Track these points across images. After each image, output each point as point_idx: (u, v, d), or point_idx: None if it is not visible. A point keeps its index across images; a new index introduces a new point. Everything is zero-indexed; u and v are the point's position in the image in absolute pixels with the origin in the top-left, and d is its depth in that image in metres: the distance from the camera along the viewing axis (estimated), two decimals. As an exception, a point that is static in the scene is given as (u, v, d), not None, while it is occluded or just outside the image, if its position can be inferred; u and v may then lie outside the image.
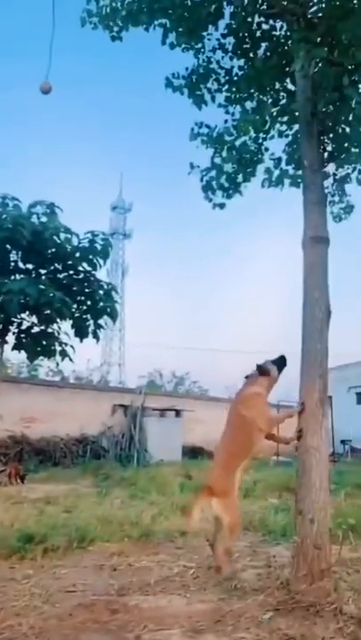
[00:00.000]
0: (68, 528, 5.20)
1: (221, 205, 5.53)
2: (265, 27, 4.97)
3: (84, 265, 10.41)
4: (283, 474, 9.99)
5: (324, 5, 3.96)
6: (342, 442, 19.96)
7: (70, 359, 10.54)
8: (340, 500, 6.22)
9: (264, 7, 4.42)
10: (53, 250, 10.03)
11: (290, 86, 4.92)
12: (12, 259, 10.00)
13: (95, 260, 10.41)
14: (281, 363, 4.00)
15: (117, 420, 16.03)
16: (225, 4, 4.89)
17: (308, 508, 3.50)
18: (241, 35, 5.05)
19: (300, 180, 4.54)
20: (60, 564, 4.30)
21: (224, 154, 5.46)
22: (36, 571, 4.11)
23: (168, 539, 5.21)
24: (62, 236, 10.04)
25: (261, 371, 3.92)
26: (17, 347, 10.19)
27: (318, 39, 3.83)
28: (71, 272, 10.48)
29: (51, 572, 4.09)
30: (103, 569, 4.21)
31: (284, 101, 5.08)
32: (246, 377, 4.00)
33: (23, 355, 10.52)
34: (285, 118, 5.19)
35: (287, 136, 5.27)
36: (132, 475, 10.66)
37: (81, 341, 10.55)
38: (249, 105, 5.34)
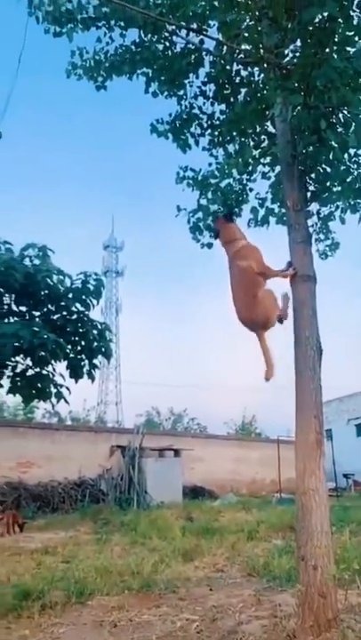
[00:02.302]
0: (67, 581, 5.03)
1: (209, 245, 5.58)
2: (244, 73, 5.14)
3: (78, 305, 10.43)
4: (285, 512, 9.75)
5: (298, 54, 4.08)
6: (345, 475, 19.50)
7: (66, 401, 10.42)
8: (345, 539, 6.07)
9: (242, 56, 4.57)
10: (46, 292, 10.07)
11: (270, 129, 5.04)
12: (5, 302, 10.01)
13: (88, 300, 10.43)
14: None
15: (116, 462, 15.72)
16: (204, 53, 5.07)
17: (311, 554, 3.39)
18: (221, 81, 5.22)
19: (285, 219, 4.61)
20: (57, 622, 4.13)
21: (210, 196, 5.57)
22: (32, 630, 3.94)
23: (170, 589, 5.02)
24: (55, 277, 10.09)
25: (228, 218, 4.45)
26: (12, 390, 10.07)
27: (295, 85, 3.94)
28: (64, 313, 10.48)
29: (48, 632, 3.92)
30: (103, 625, 4.04)
31: (265, 144, 5.20)
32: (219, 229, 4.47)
33: (19, 397, 10.43)
34: (268, 160, 5.31)
35: (269, 178, 5.39)
36: (132, 519, 10.40)
37: (76, 382, 10.45)
38: (231, 148, 5.48)
